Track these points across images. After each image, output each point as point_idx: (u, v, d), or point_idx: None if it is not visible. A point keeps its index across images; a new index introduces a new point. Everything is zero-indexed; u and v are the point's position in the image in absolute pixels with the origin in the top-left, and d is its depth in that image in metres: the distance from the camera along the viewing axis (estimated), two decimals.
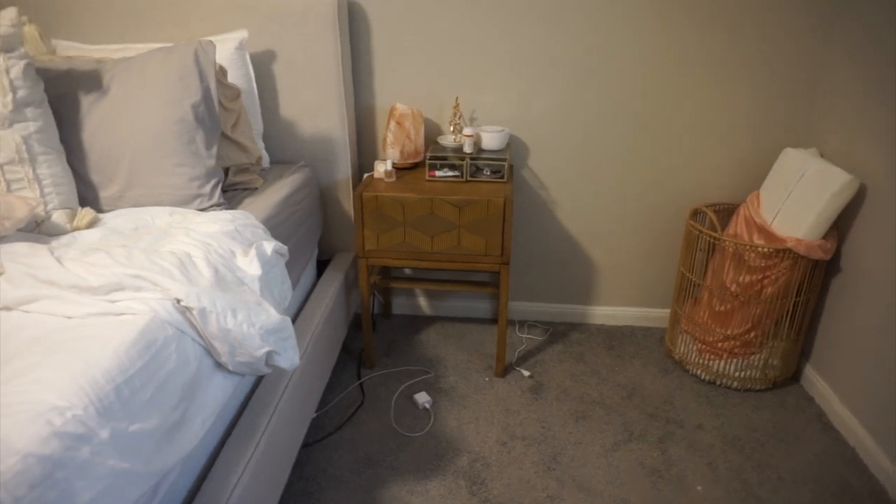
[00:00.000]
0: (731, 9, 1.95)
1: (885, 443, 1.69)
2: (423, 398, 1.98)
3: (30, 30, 1.81)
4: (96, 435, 0.83)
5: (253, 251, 1.36)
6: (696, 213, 2.17)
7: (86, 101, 1.55)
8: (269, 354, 1.24)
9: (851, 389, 1.84)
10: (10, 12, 1.38)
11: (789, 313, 1.98)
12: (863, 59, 1.82)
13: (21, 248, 1.18)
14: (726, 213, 2.19)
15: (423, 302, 2.52)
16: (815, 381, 2.03)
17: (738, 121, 2.10)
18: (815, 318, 2.05)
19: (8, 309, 1.07)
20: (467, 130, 2.00)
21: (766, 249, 1.87)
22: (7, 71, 1.35)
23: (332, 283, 2.05)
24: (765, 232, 1.94)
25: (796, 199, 1.88)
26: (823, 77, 2.00)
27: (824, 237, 1.84)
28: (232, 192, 1.80)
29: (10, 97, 1.35)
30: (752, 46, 2.00)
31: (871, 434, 1.75)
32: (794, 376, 2.13)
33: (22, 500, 0.72)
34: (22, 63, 1.38)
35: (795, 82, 2.03)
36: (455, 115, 2.07)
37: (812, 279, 1.93)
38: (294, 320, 1.81)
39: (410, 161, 2.09)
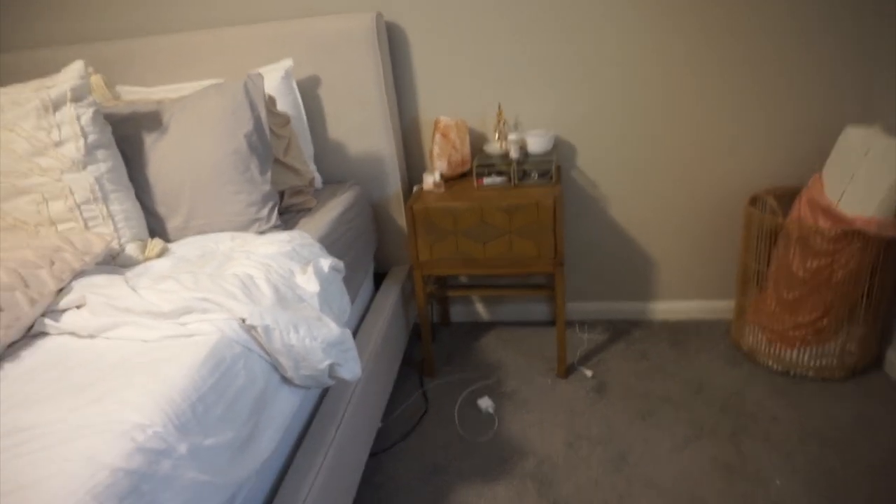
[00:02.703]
0: None
1: None
2: (486, 403, 1.99)
3: (96, 79, 1.95)
4: (175, 450, 0.89)
5: (310, 269, 1.42)
6: (754, 200, 2.10)
7: (148, 139, 1.66)
8: (331, 367, 1.28)
9: None
10: (77, 65, 1.50)
11: (864, 296, 1.89)
12: None
13: (99, 279, 1.27)
14: (787, 198, 2.11)
15: (480, 308, 2.54)
16: None
17: (793, 102, 2.03)
18: (894, 299, 1.94)
19: (92, 337, 1.15)
20: (512, 136, 2.01)
21: (833, 232, 1.80)
22: (78, 118, 1.47)
23: (390, 295, 2.09)
24: (831, 214, 1.85)
25: (862, 178, 1.80)
26: (882, 51, 1.90)
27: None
28: (288, 213, 1.87)
29: (82, 142, 1.47)
30: (806, 26, 1.93)
31: None
32: (876, 362, 2.02)
33: None
34: (91, 111, 1.49)
35: (853, 57, 1.94)
36: (499, 121, 2.09)
37: (886, 260, 1.84)
38: (354, 333, 1.85)
39: (458, 171, 2.11)
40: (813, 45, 1.95)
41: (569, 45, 2.06)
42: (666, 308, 2.40)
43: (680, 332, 2.32)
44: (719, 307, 2.36)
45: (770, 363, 2.05)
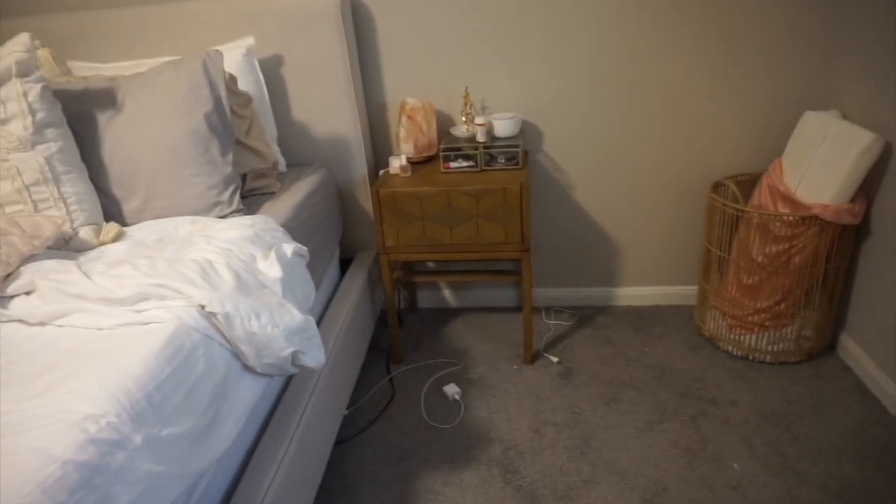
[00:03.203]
0: None
1: None
2: (452, 390, 1.99)
3: (43, 53, 1.85)
4: (130, 440, 0.85)
5: (273, 254, 1.38)
6: (717, 186, 2.13)
7: (102, 118, 1.59)
8: (294, 354, 1.25)
9: (889, 355, 1.80)
10: (23, 37, 1.42)
11: (820, 282, 1.94)
12: (880, 16, 1.76)
13: (50, 264, 1.22)
14: (748, 183, 2.15)
15: (447, 294, 2.53)
16: (851, 349, 1.98)
17: (754, 87, 2.06)
18: (848, 285, 2.00)
19: (42, 324, 1.11)
20: (479, 119, 1.99)
21: (791, 218, 1.83)
22: (25, 95, 1.39)
23: (356, 281, 2.07)
24: (789, 200, 1.90)
25: (820, 164, 1.84)
26: (840, 36, 1.94)
27: (852, 201, 1.80)
28: (251, 197, 1.83)
29: (30, 120, 1.39)
30: (764, 11, 1.95)
31: None
32: (830, 346, 2.09)
33: None
34: (39, 86, 1.42)
35: (810, 43, 1.98)
36: (466, 104, 2.07)
37: (841, 245, 1.89)
38: (319, 320, 1.83)
39: (425, 154, 2.09)
40: (773, 29, 1.98)
41: (537, 29, 2.05)
42: (631, 294, 2.43)
43: (644, 318, 2.35)
44: (683, 293, 2.40)
45: (730, 348, 2.10)
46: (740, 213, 1.95)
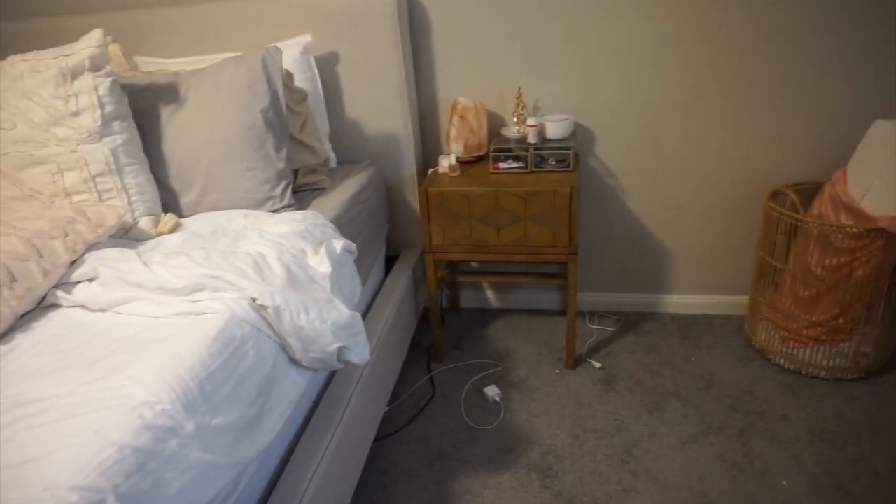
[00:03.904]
0: None
1: None
2: (492, 391, 1.98)
3: (113, 49, 1.93)
4: (183, 428, 0.88)
5: (323, 249, 1.40)
6: (775, 194, 2.06)
7: (165, 112, 1.65)
8: (340, 350, 1.28)
9: None
10: (96, 34, 1.48)
11: (884, 297, 1.85)
12: None
13: (112, 253, 1.27)
14: (810, 192, 2.07)
15: (490, 295, 2.53)
16: None
17: (820, 94, 1.98)
18: None
19: (102, 311, 1.15)
20: (531, 121, 1.98)
21: (855, 230, 1.76)
22: (96, 88, 1.46)
23: (401, 278, 2.08)
24: (853, 211, 1.81)
25: (890, 175, 1.75)
26: None
27: None
28: (302, 192, 1.86)
29: (98, 113, 1.46)
30: (834, 10, 1.87)
31: None
32: (891, 364, 1.99)
33: (119, 487, 0.78)
34: (108, 80, 1.48)
35: (881, 51, 1.89)
36: (518, 105, 2.06)
37: None
38: (364, 316, 1.85)
39: (474, 154, 2.09)
40: (841, 35, 1.89)
41: (594, 30, 2.02)
42: (678, 301, 2.38)
43: (691, 327, 2.30)
44: (733, 302, 2.33)
45: (782, 361, 2.03)
46: (799, 223, 1.88)
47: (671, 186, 2.20)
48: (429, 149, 2.31)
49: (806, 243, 1.90)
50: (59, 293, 1.19)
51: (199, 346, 1.01)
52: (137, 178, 1.53)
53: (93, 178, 1.47)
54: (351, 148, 2.16)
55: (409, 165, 2.17)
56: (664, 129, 2.11)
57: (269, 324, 1.17)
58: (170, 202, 1.65)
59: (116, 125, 1.49)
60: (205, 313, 1.11)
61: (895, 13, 1.84)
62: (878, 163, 1.80)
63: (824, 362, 1.95)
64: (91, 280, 1.21)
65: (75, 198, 1.48)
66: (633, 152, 2.17)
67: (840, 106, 1.98)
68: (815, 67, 1.95)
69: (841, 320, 1.89)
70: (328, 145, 2.07)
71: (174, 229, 1.53)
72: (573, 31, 2.03)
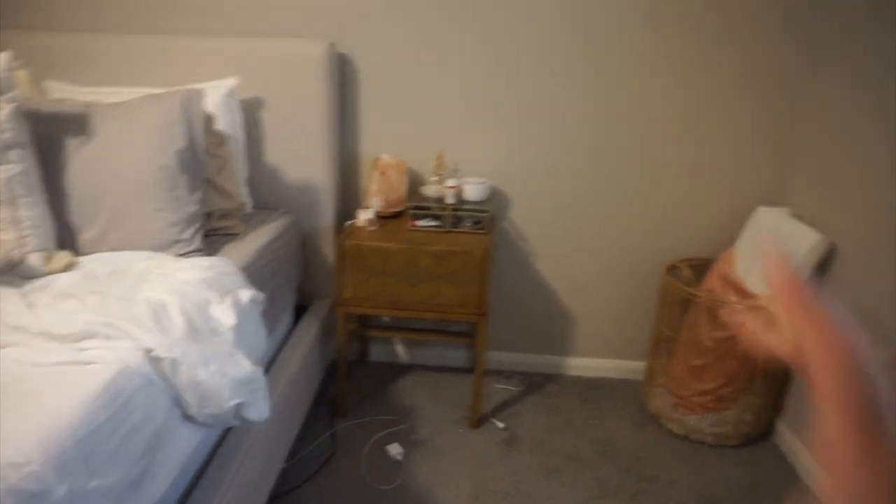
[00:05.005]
0: (707, 70, 2.04)
1: None
2: (395, 449, 1.96)
3: (20, 74, 1.83)
4: (53, 492, 0.82)
5: (229, 300, 1.36)
6: (671, 268, 2.20)
7: (72, 143, 1.57)
8: (239, 406, 1.23)
9: None
10: (4, 57, 1.40)
11: (763, 369, 2.00)
12: (832, 122, 1.89)
13: None
14: (702, 268, 2.23)
15: (400, 350, 2.52)
16: (786, 437, 2.04)
17: (715, 179, 2.17)
18: (789, 373, 2.07)
19: None
20: (450, 182, 2.03)
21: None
22: None
23: (309, 329, 2.04)
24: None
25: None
26: (796, 137, 2.08)
27: None
28: (213, 236, 1.80)
29: None
30: (728, 110, 2.08)
31: None
32: (767, 433, 2.14)
33: None
34: (10, 107, 1.40)
35: (769, 143, 2.11)
36: (439, 166, 2.11)
37: None
38: (268, 368, 1.79)
39: (393, 210, 2.11)
40: (735, 122, 2.10)
41: (515, 100, 2.13)
42: (581, 364, 2.47)
43: (592, 389, 2.38)
44: (633, 367, 2.44)
45: (672, 427, 2.13)
46: (691, 296, 2.02)
47: (578, 254, 2.31)
48: (347, 201, 2.32)
49: (697, 315, 2.04)
50: None
51: (82, 400, 0.94)
52: (32, 211, 1.43)
53: None
54: (269, 194, 2.13)
55: (327, 216, 2.16)
56: (573, 200, 2.23)
57: (163, 377, 1.11)
58: (66, 238, 1.55)
59: (13, 154, 1.40)
60: (93, 363, 1.04)
61: (776, 116, 2.06)
62: (759, 247, 1.98)
63: (709, 429, 2.07)
64: None
65: None
66: (544, 220, 2.27)
67: (734, 190, 2.18)
68: (710, 157, 2.14)
69: (726, 389, 2.02)
70: (245, 190, 2.03)
71: (68, 268, 1.44)
72: (495, 99, 2.14)
